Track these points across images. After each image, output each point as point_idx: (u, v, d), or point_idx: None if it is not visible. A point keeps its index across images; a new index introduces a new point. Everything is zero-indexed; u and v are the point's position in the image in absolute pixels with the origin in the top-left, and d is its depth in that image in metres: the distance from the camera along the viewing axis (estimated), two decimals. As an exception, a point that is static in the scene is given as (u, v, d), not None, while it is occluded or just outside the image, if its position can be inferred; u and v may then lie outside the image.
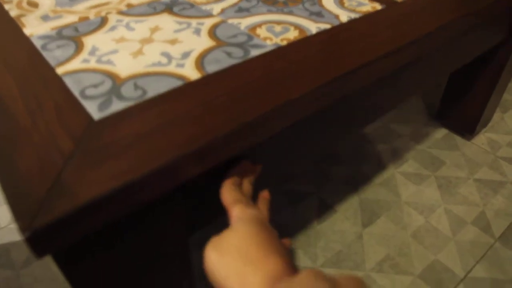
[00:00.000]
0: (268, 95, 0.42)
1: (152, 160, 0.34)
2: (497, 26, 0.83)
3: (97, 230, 0.33)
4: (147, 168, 0.34)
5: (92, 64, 0.47)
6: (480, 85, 0.99)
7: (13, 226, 0.85)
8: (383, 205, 0.92)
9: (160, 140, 0.36)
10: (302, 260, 0.80)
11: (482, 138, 1.11)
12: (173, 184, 0.36)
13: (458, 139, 1.11)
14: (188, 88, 0.43)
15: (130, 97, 0.41)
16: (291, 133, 0.51)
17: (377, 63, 0.50)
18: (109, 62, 0.47)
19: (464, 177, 0.99)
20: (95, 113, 0.39)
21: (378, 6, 0.63)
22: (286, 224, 0.88)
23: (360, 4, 0.63)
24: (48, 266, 0.78)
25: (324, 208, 0.91)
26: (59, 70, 0.46)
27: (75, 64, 0.47)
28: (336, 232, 0.86)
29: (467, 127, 1.08)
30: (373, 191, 0.95)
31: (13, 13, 0.60)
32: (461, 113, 1.07)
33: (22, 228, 0.29)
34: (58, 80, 0.44)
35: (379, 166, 1.02)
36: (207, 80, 0.44)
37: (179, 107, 0.40)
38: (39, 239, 0.29)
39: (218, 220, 0.45)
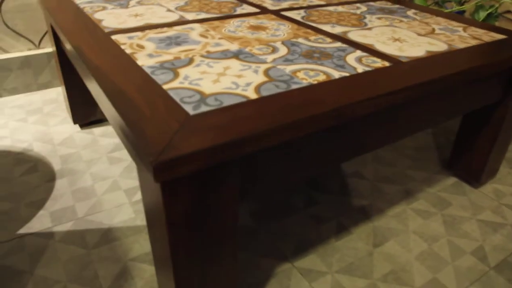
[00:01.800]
0: (302, 111, 0.63)
1: (224, 136, 0.56)
2: (490, 86, 1.02)
3: (192, 173, 0.54)
4: (220, 141, 0.55)
5: (186, 84, 0.70)
6: (483, 140, 1.17)
7: (90, 217, 1.08)
8: (393, 232, 1.08)
9: (231, 128, 0.58)
10: (319, 266, 0.97)
11: (488, 187, 1.26)
12: (236, 154, 0.57)
13: (466, 187, 1.26)
14: (249, 103, 0.65)
15: (212, 104, 0.64)
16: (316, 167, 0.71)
17: (378, 99, 0.71)
18: (197, 84, 0.70)
19: (467, 217, 1.14)
20: (190, 111, 0.62)
21: (387, 64, 0.84)
22: (310, 239, 1.05)
23: (374, 61, 0.85)
24: (114, 248, 0.98)
25: (342, 230, 1.08)
26: (165, 87, 0.70)
27: (175, 84, 0.71)
28: (350, 248, 1.03)
29: (474, 176, 1.24)
30: (386, 221, 1.12)
31: (128, 51, 0.86)
32: (468, 164, 1.24)
33: (151, 161, 0.50)
34: (165, 92, 0.68)
35: (393, 202, 1.19)
36: (262, 99, 0.66)
37: (244, 112, 0.62)
38: (160, 169, 0.51)
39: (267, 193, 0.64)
